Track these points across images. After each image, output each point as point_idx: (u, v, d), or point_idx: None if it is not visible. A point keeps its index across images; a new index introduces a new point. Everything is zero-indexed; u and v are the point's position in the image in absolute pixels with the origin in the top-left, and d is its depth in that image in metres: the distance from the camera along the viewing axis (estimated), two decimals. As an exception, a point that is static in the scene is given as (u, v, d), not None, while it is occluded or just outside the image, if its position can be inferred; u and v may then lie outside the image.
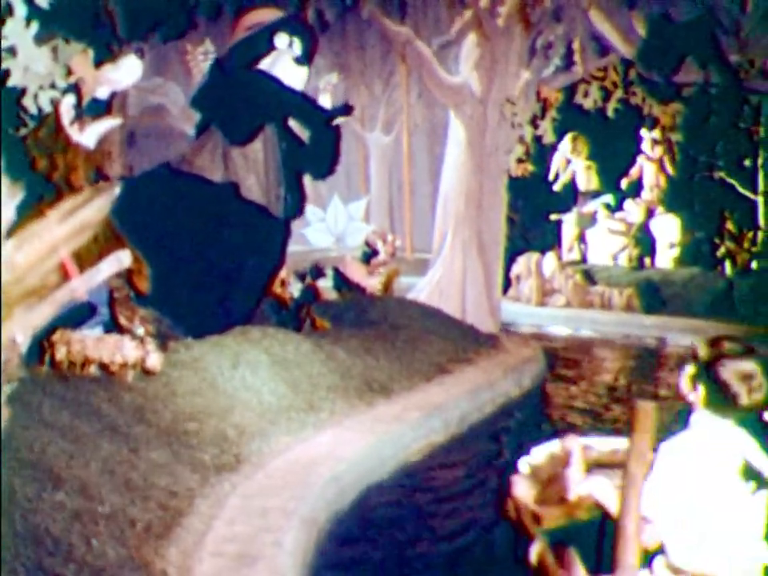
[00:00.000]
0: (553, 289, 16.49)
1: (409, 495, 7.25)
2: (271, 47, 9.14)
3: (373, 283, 11.63)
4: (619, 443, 4.29)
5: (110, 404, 6.48)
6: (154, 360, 7.02)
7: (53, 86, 5.65)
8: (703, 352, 3.71)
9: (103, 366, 6.81)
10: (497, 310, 13.77)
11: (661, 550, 3.56)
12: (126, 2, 10.57)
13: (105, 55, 7.77)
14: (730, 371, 3.61)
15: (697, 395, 3.67)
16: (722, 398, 3.61)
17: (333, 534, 6.09)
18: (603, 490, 3.80)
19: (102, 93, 7.19)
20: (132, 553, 4.84)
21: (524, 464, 4.45)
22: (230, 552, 5.15)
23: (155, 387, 7.02)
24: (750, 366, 3.64)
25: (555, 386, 11.01)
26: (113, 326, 7.21)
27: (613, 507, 3.66)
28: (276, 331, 8.83)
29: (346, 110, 9.57)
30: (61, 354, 6.63)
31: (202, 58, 18.13)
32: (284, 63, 9.10)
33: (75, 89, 6.86)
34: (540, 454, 3.77)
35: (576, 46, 12.93)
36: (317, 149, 9.23)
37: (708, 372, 3.64)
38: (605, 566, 3.61)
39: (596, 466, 4.09)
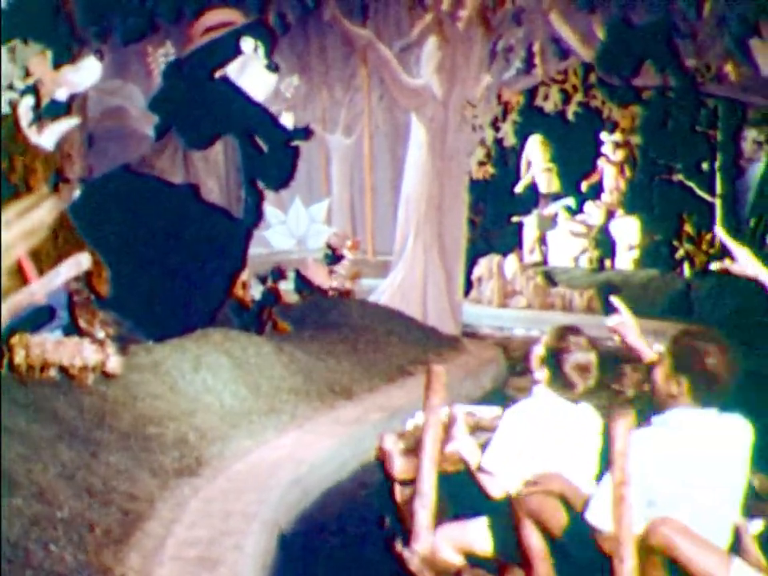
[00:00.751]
0: (514, 291, 16.58)
1: (371, 497, 7.25)
2: (237, 51, 9.10)
3: (334, 285, 11.64)
4: (498, 410, 4.81)
5: (70, 408, 6.44)
6: (115, 363, 6.98)
7: (11, 88, 5.61)
8: (550, 340, 4.15)
9: (63, 370, 6.75)
10: (458, 312, 13.83)
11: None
12: (86, 3, 10.51)
13: (64, 57, 7.72)
14: (571, 364, 4.03)
15: (542, 375, 4.16)
16: (561, 384, 4.09)
17: (294, 536, 6.08)
18: (467, 448, 4.28)
19: (61, 94, 7.14)
20: (91, 558, 4.81)
21: (410, 423, 5.00)
22: (190, 556, 5.13)
23: (115, 391, 6.98)
24: (588, 358, 4.06)
25: (516, 386, 11.06)
26: (73, 329, 7.16)
27: (472, 462, 4.21)
28: (237, 334, 8.80)
29: (306, 133, 9.54)
30: (20, 357, 6.57)
31: (162, 59, 18.03)
32: (254, 69, 9.06)
33: (34, 90, 6.81)
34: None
35: (536, 49, 13.01)
36: (273, 163, 9.23)
37: (551, 359, 4.08)
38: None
39: (478, 429, 4.68)
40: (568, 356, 4.03)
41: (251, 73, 9.06)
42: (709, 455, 3.47)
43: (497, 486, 4.09)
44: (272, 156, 9.17)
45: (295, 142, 9.29)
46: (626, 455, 3.27)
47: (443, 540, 4.22)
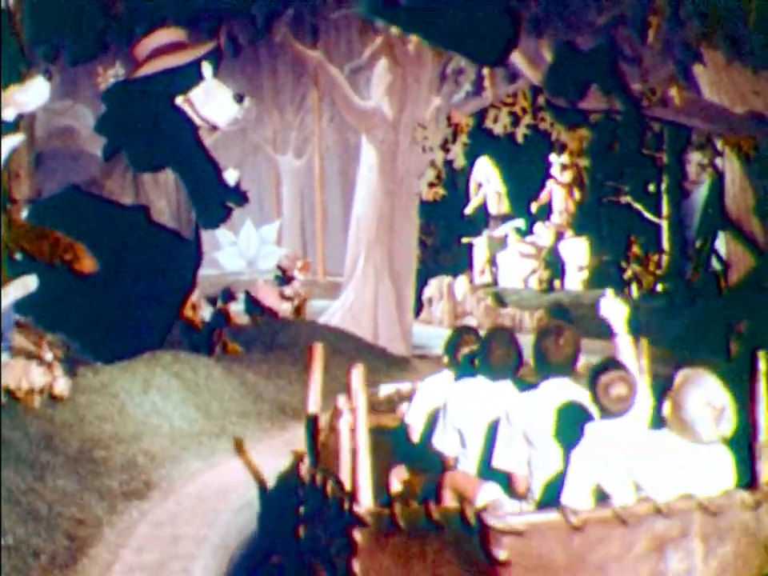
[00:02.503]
0: (465, 311, 16.66)
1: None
2: (200, 78, 9.05)
3: (284, 307, 11.62)
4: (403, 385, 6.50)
5: (16, 431, 6.35)
6: (62, 386, 6.90)
7: (-43, 108, 5.56)
8: (450, 337, 5.68)
9: (9, 393, 6.67)
10: (409, 333, 13.86)
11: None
12: (35, 22, 10.44)
13: (12, 77, 7.66)
14: (462, 352, 5.42)
15: (445, 359, 5.62)
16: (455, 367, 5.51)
17: (245, 560, 6.05)
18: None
19: (9, 115, 7.08)
20: (37, 584, 4.75)
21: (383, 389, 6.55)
22: (138, 581, 5.08)
23: (63, 414, 6.90)
24: (471, 348, 5.37)
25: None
26: (19, 351, 7.08)
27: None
28: (187, 355, 8.76)
29: (243, 199, 9.52)
30: (-36, 380, 6.48)
31: (113, 80, 17.95)
32: (220, 99, 9.00)
33: (-20, 111, 6.75)
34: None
35: (486, 72, 13.13)
36: (207, 208, 9.24)
37: (450, 349, 5.53)
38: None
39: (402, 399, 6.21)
40: (463, 348, 5.40)
41: (216, 101, 9.01)
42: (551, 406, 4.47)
43: (415, 436, 5.61)
44: (207, 204, 9.18)
45: (229, 203, 9.31)
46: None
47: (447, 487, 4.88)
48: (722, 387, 4.03)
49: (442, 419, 5.07)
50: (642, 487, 3.93)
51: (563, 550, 3.65)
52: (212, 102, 8.99)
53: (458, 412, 4.94)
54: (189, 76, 8.98)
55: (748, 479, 4.11)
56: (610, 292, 5.43)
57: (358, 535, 4.05)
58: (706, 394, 3.96)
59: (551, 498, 4.19)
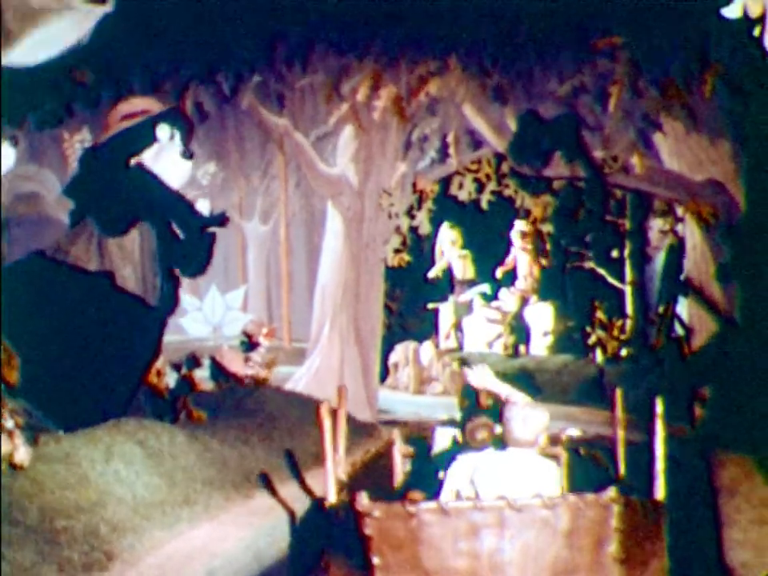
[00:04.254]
0: (430, 377, 16.65)
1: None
2: (153, 139, 9.13)
3: (250, 373, 11.57)
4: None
5: (-26, 501, 6.25)
6: (23, 454, 6.81)
7: None
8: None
9: (-32, 462, 6.57)
10: (374, 399, 13.82)
11: None
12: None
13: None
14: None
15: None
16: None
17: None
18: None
19: (-27, 181, 7.08)
20: None
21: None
22: None
23: (22, 483, 6.80)
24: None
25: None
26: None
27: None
28: (151, 423, 8.68)
29: (222, 220, 9.57)
30: None
31: (79, 146, 17.97)
32: (169, 157, 9.09)
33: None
34: None
35: (451, 139, 13.27)
36: (189, 250, 9.23)
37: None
38: None
39: None
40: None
41: (166, 160, 9.09)
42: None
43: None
44: (188, 243, 9.17)
45: (211, 229, 9.31)
46: None
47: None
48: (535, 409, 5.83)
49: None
50: (479, 491, 5.60)
51: (404, 529, 5.23)
52: (161, 162, 9.06)
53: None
54: (142, 138, 9.07)
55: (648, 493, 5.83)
56: (477, 367, 6.81)
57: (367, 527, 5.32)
58: (522, 408, 5.79)
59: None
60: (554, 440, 7.21)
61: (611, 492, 5.26)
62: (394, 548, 5.21)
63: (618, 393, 6.70)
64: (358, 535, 5.30)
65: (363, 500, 5.34)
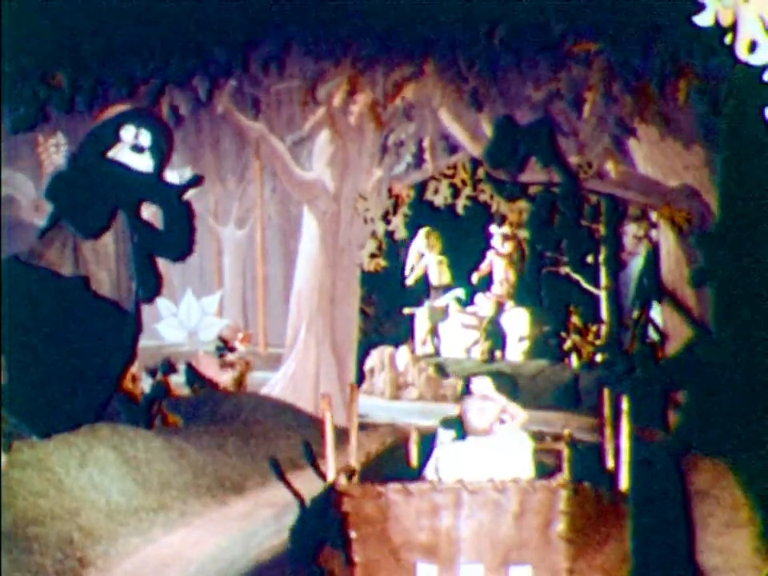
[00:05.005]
0: (406, 382, 16.65)
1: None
2: (117, 139, 9.13)
3: (225, 378, 11.54)
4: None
5: (-53, 508, 6.21)
6: (-4, 461, 6.77)
7: None
8: None
9: (-59, 469, 6.53)
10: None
11: None
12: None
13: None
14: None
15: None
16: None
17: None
18: None
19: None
20: None
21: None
22: None
23: (-4, 490, 6.76)
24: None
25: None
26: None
27: None
28: (126, 428, 8.65)
29: (196, 180, 9.59)
30: None
31: (53, 150, 17.88)
32: (125, 154, 9.09)
33: None
34: None
35: (426, 144, 13.28)
36: (171, 229, 9.22)
37: None
38: None
39: None
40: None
41: (122, 158, 9.10)
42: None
43: None
44: (167, 220, 9.16)
45: (188, 195, 9.31)
46: None
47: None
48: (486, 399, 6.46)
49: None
50: (441, 478, 6.08)
51: (375, 506, 5.85)
52: (118, 159, 9.08)
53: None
54: (104, 138, 9.07)
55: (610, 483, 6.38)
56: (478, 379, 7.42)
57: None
58: (477, 400, 6.39)
59: None
60: (556, 437, 7.83)
61: (559, 478, 5.97)
62: (367, 523, 5.85)
63: (606, 392, 7.04)
64: (339, 512, 5.94)
65: (342, 481, 6.23)
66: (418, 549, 5.79)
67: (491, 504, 5.75)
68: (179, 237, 9.31)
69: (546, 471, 6.73)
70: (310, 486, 9.29)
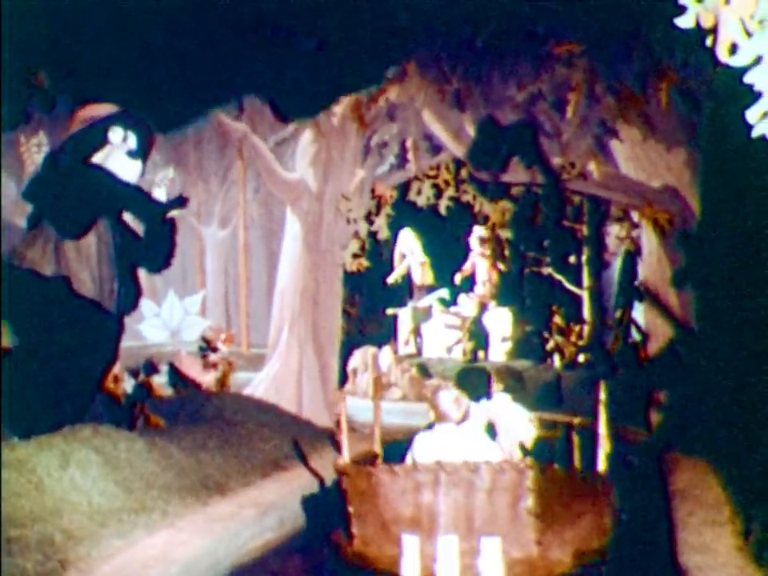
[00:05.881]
0: (389, 382, 16.65)
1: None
2: (105, 141, 9.11)
3: (208, 379, 11.52)
4: None
5: (-73, 510, 6.18)
6: (-24, 462, 6.74)
7: None
8: None
9: None
10: (333, 405, 13.79)
11: None
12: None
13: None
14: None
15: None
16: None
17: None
18: None
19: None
20: None
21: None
22: None
23: (-23, 491, 6.73)
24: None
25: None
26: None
27: None
28: (108, 429, 8.62)
29: (181, 201, 9.58)
30: None
31: (35, 149, 17.83)
32: (117, 157, 9.07)
33: None
34: None
35: (409, 144, 13.30)
36: (152, 242, 9.19)
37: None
38: None
39: None
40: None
41: (114, 161, 9.07)
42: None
43: None
44: (149, 234, 9.14)
45: (171, 213, 9.29)
46: None
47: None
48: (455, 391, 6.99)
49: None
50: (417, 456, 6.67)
51: (367, 484, 6.50)
52: (110, 163, 9.05)
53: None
54: (93, 140, 9.05)
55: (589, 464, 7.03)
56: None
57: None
58: (451, 394, 6.87)
59: None
60: (568, 424, 8.07)
61: (527, 460, 6.53)
62: (362, 500, 6.51)
63: (602, 384, 7.36)
64: (341, 490, 6.68)
65: (340, 461, 6.97)
66: (403, 522, 6.36)
67: (465, 482, 6.32)
68: (159, 252, 9.31)
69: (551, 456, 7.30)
70: (292, 486, 9.29)
